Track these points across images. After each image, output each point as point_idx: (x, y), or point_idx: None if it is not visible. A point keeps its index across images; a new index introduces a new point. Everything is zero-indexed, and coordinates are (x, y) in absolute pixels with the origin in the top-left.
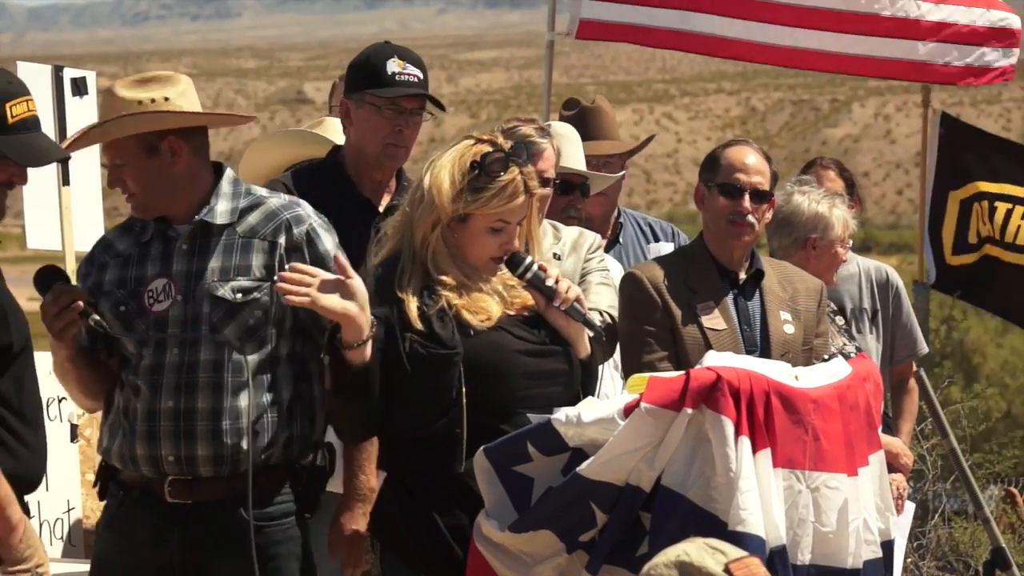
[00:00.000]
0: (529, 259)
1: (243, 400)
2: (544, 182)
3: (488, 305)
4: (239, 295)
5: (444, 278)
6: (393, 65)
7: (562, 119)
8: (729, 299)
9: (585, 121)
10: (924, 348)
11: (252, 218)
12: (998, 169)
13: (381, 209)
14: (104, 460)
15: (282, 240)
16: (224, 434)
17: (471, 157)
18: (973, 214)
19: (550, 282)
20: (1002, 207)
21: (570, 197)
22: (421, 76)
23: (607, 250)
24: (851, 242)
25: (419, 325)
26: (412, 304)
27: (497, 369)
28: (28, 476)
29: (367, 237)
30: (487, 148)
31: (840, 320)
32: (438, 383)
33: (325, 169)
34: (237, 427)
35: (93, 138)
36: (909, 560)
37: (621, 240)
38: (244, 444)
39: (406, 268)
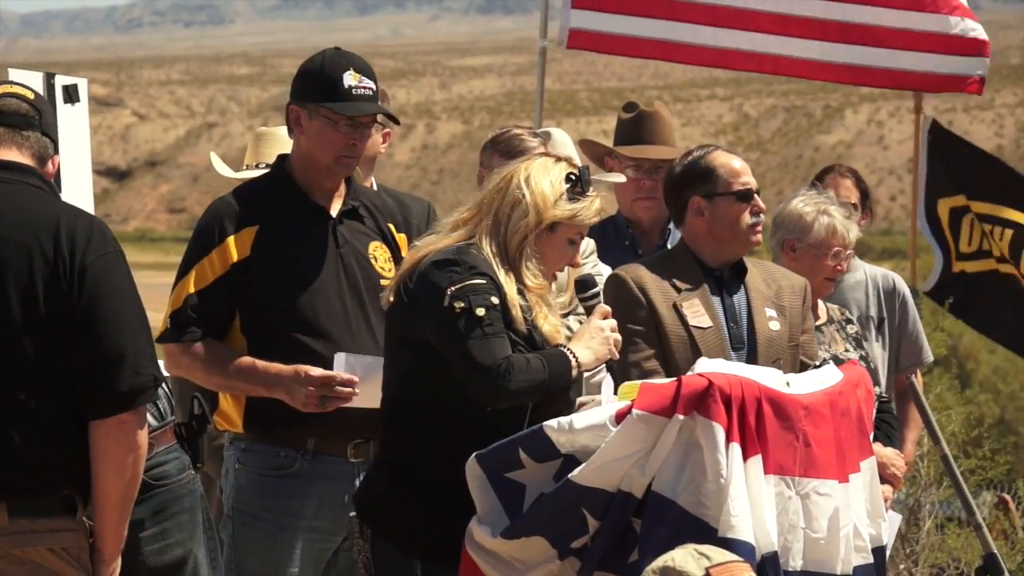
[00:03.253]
0: (599, 288)
1: None
2: None
3: (556, 324)
4: None
5: (532, 283)
6: (349, 78)
7: (620, 121)
8: (714, 297)
9: (641, 124)
10: (929, 357)
11: None
12: (984, 188)
13: (334, 214)
14: None
15: None
16: None
17: (564, 171)
18: (964, 224)
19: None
20: (988, 227)
21: None
22: (375, 88)
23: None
24: (848, 252)
25: (524, 329)
26: (516, 303)
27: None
28: None
29: (324, 244)
30: (571, 167)
31: (852, 328)
32: None
33: (273, 180)
34: None
35: None
36: (903, 566)
37: (669, 246)
38: None
39: (497, 268)
